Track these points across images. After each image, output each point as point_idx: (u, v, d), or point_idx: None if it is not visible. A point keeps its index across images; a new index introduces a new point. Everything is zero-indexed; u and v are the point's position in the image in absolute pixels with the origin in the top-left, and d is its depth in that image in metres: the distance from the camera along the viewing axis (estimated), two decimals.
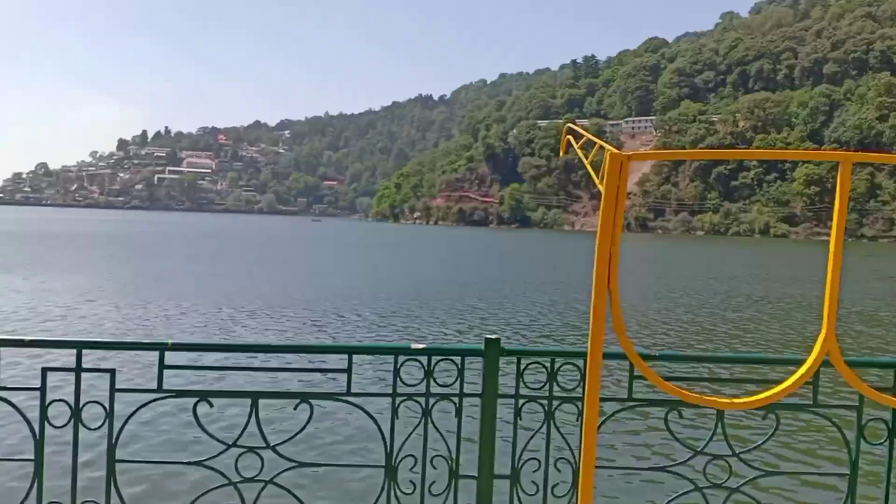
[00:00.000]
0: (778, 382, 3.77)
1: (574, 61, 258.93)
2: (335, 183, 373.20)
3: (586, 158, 2.97)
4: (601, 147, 2.80)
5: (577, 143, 3.19)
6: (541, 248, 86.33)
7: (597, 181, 2.60)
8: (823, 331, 2.67)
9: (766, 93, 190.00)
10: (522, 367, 3.74)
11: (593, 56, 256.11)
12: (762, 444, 4.01)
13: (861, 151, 2.60)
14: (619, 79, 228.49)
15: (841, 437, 3.87)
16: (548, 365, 3.76)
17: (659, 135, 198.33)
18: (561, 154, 3.71)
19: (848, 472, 3.81)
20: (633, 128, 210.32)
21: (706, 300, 31.76)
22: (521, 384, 3.75)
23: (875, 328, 25.09)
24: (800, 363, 3.84)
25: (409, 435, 3.78)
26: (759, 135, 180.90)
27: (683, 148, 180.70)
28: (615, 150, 2.47)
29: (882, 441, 3.79)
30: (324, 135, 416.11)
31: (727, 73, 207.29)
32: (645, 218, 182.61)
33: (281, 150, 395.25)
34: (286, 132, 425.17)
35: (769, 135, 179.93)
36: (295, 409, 3.76)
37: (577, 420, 3.71)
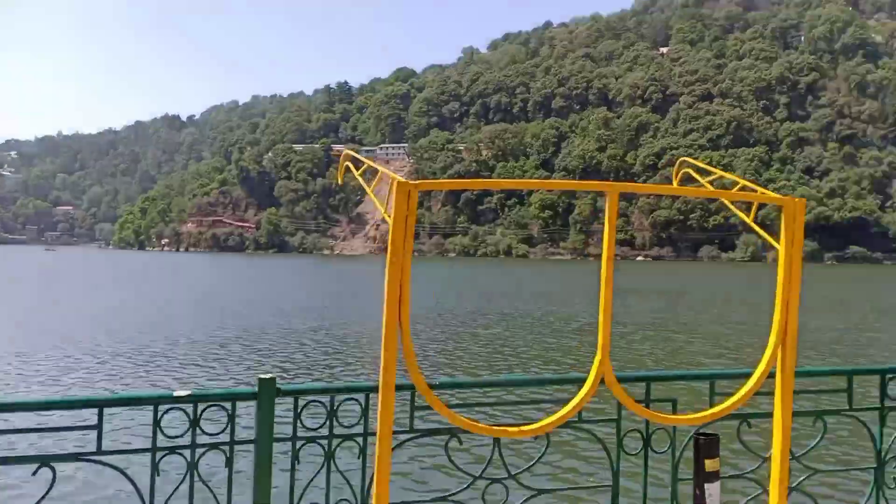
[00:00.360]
0: (554, 401, 3.92)
1: (328, 86, 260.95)
2: (71, 208, 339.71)
3: (369, 186, 2.90)
4: (384, 175, 2.73)
5: (357, 170, 3.05)
6: (306, 274, 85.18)
7: (383, 210, 2.51)
8: (599, 354, 2.72)
9: (505, 124, 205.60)
10: (300, 406, 3.55)
11: (346, 82, 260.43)
12: (534, 464, 4.15)
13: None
14: (373, 106, 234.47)
15: (604, 451, 4.12)
16: (327, 403, 3.59)
17: (412, 161, 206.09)
18: (339, 181, 3.58)
19: (611, 485, 4.06)
20: (387, 154, 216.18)
21: (470, 321, 33.10)
22: (300, 425, 3.56)
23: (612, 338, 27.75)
24: (572, 381, 4.05)
25: (173, 493, 3.40)
26: (500, 163, 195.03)
27: (434, 174, 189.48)
28: (402, 179, 2.37)
29: (638, 452, 4.09)
30: (56, 156, 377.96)
31: (470, 104, 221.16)
32: None
33: (6, 173, 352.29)
34: (12, 153, 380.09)
35: (509, 163, 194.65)
36: (34, 474, 3.22)
37: (359, 458, 3.58)
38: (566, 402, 4.00)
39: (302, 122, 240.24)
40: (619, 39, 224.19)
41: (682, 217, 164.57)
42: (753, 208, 3.21)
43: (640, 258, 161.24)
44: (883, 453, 4.66)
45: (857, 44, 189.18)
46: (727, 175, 3.45)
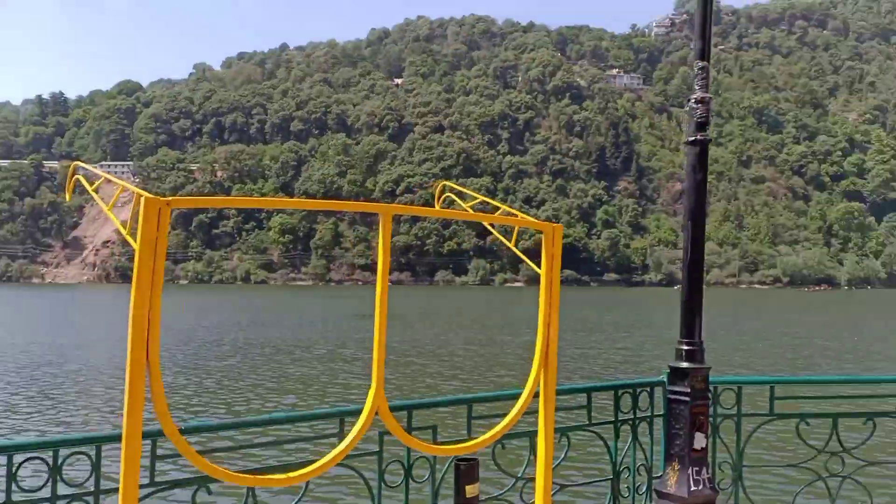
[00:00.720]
0: (322, 437, 3.60)
1: (40, 97, 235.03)
2: None
3: (106, 205, 2.57)
4: (127, 190, 2.43)
5: (91, 185, 2.81)
6: (10, 307, 74.91)
7: (125, 232, 2.23)
8: (374, 385, 2.57)
9: (241, 145, 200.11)
10: (15, 465, 2.97)
11: (62, 93, 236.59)
12: None
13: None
14: (92, 120, 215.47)
15: (364, 486, 3.92)
16: (49, 458, 3.08)
17: (137, 181, 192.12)
18: (67, 198, 2.99)
19: None
20: (109, 172, 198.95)
21: (205, 352, 31.18)
22: (15, 487, 2.96)
23: (357, 365, 27.75)
24: (339, 415, 3.79)
25: None
26: (236, 185, 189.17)
27: (163, 195, 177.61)
28: (150, 196, 2.10)
29: (399, 484, 3.95)
30: None
31: (203, 122, 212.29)
32: (126, 268, 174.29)
33: None
34: None
35: (245, 185, 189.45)
36: None
37: None
38: (330, 437, 3.73)
39: (8, 136, 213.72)
40: (355, 67, 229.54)
41: (419, 243, 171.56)
42: (514, 233, 3.23)
43: None
44: (618, 465, 5.00)
45: (565, 86, 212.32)
46: (488, 200, 3.47)
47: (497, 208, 3.26)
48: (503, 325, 46.59)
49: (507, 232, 3.54)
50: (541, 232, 2.84)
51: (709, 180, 5.08)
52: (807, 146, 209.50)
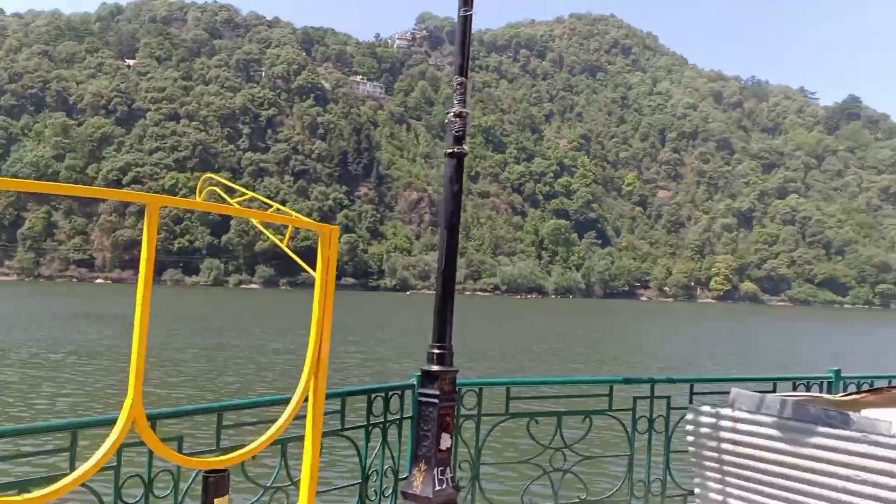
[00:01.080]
0: (43, 452, 3.11)
1: None
2: None
3: None
4: None
5: None
6: None
7: None
8: (131, 393, 2.31)
9: None
10: None
11: None
12: None
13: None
14: None
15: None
16: None
17: None
18: None
19: None
20: None
21: None
22: None
23: (74, 371, 25.16)
24: (73, 427, 3.34)
25: None
26: None
27: None
28: None
29: (138, 500, 3.64)
30: None
31: None
32: None
33: None
34: None
35: None
36: None
37: None
38: (58, 452, 3.30)
39: None
40: (82, 42, 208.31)
41: None
42: (287, 233, 3.11)
43: (99, 280, 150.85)
44: (366, 468, 5.02)
45: (310, 87, 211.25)
46: (259, 197, 3.32)
47: (268, 206, 3.12)
48: (237, 329, 45.05)
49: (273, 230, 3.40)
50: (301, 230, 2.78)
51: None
52: (525, 166, 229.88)
